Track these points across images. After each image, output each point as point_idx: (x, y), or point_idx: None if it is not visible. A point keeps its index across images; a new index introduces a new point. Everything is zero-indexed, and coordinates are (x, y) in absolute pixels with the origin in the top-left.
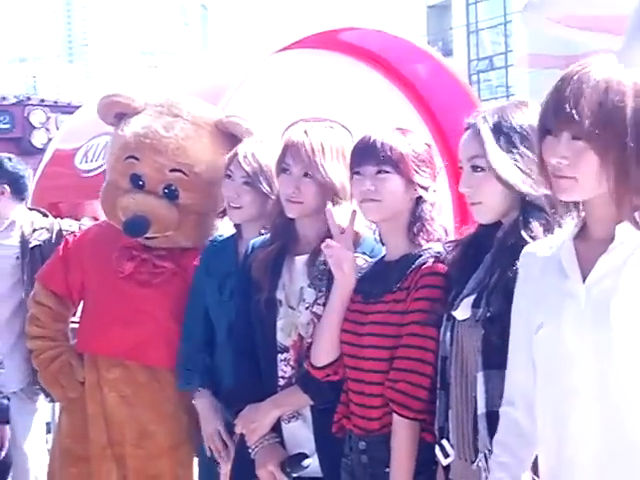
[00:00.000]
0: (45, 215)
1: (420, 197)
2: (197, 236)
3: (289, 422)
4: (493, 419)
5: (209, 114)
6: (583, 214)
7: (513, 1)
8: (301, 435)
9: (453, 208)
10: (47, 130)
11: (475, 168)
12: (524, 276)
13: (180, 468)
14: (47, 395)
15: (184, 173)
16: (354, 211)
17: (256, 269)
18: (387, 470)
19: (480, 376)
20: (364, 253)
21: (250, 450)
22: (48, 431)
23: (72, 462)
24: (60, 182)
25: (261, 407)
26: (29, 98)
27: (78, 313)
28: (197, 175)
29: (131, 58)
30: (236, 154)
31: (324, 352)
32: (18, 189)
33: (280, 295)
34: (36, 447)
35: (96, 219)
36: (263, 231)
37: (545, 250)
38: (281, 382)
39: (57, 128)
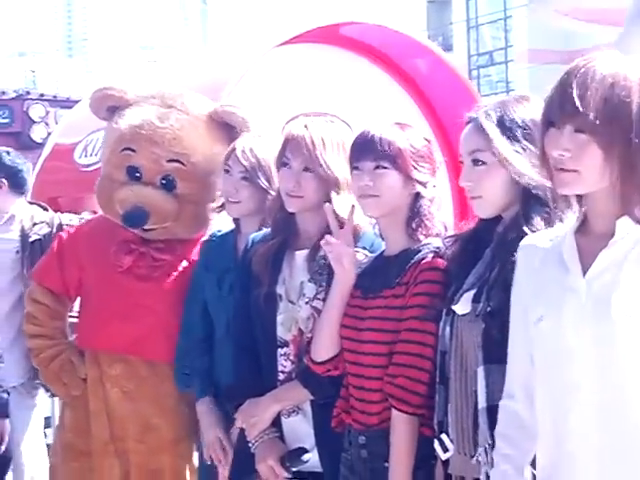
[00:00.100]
0: (45, 209)
1: (419, 192)
2: (195, 227)
3: (289, 417)
4: (493, 413)
5: (202, 104)
6: (584, 208)
7: None
8: (301, 430)
9: (453, 203)
10: (46, 124)
11: (476, 162)
12: (523, 266)
13: (181, 462)
14: (47, 390)
15: (181, 163)
16: (353, 206)
17: (256, 263)
18: (386, 465)
19: (480, 370)
20: (364, 248)
21: (250, 444)
22: (47, 426)
23: (74, 457)
24: (59, 176)
25: (261, 402)
26: (28, 92)
27: (75, 308)
28: (194, 165)
29: (131, 53)
30: (234, 149)
31: (324, 347)
32: (16, 183)
33: (280, 290)
34: (33, 442)
35: (96, 213)
36: (260, 228)
37: (545, 242)
38: (281, 377)
39: (56, 122)
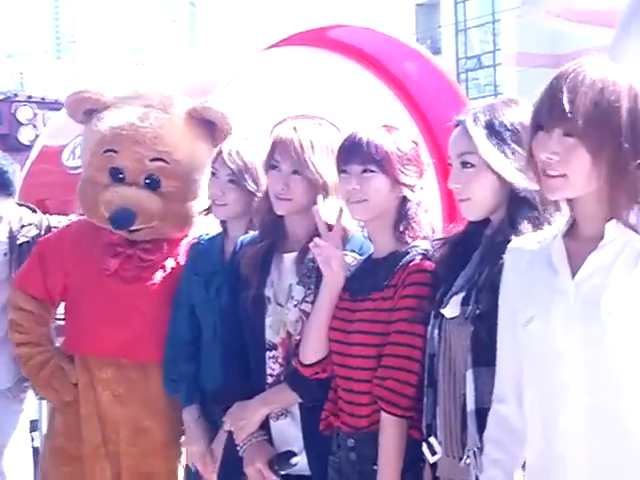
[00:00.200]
0: (34, 211)
1: (406, 195)
2: (181, 225)
3: (277, 420)
4: (482, 416)
5: (180, 103)
6: (572, 212)
7: (501, 0)
8: (289, 433)
9: (442, 206)
10: (34, 127)
11: (465, 164)
12: (511, 269)
13: (173, 464)
14: (37, 392)
15: (165, 161)
16: (341, 208)
17: (245, 266)
18: (375, 467)
19: (469, 373)
20: (353, 251)
21: (238, 448)
22: (34, 429)
23: (65, 461)
24: (47, 179)
25: (249, 405)
26: (16, 94)
27: (59, 310)
28: (177, 162)
29: (119, 55)
30: (221, 152)
31: (312, 350)
32: (2, 184)
33: (269, 292)
34: (19, 447)
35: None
36: (247, 231)
37: (533, 244)
38: (269, 380)
39: (44, 125)
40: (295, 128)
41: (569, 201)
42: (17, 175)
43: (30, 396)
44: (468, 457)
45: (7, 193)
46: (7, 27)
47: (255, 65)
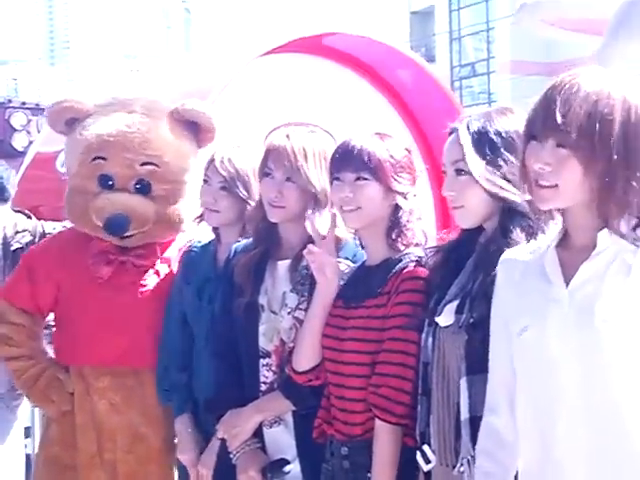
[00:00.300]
0: (29, 217)
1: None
2: (172, 228)
3: (271, 427)
4: (476, 425)
5: (161, 105)
6: (564, 223)
7: (496, 8)
8: (283, 440)
9: (435, 213)
10: (28, 133)
11: (459, 172)
12: (503, 281)
13: (169, 471)
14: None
15: (155, 165)
16: (334, 214)
17: (238, 273)
18: (369, 475)
19: (463, 382)
20: (346, 258)
21: (231, 455)
22: (26, 436)
23: (59, 471)
24: (41, 185)
25: (243, 412)
26: (10, 100)
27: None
28: (167, 165)
29: (113, 61)
30: (213, 159)
31: (306, 357)
32: None
33: (262, 300)
34: (10, 456)
35: None
36: (239, 239)
37: (525, 255)
38: (263, 387)
39: (38, 131)
40: (288, 136)
41: (561, 211)
42: (11, 181)
43: (24, 403)
44: (462, 465)
45: (2, 199)
46: (1, 33)
47: (250, 72)
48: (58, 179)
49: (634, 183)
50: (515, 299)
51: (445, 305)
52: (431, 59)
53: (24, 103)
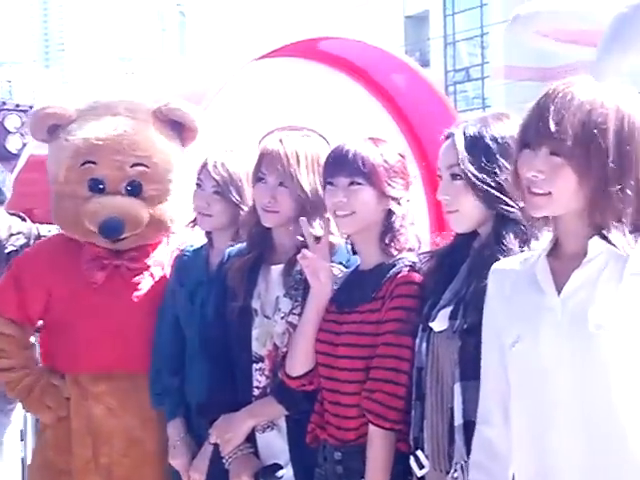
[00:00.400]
0: (24, 220)
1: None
2: (164, 228)
3: (264, 432)
4: (470, 430)
5: (142, 106)
6: (555, 232)
7: (490, 13)
8: (276, 445)
9: (429, 218)
10: (22, 135)
11: (454, 176)
12: (494, 292)
13: (163, 474)
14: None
15: (145, 165)
16: (327, 219)
17: (232, 278)
18: None
19: (457, 387)
20: (340, 263)
21: (224, 460)
22: (20, 439)
23: (54, 475)
24: (35, 188)
25: (236, 417)
26: (4, 103)
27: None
28: (156, 165)
29: (108, 63)
30: (206, 164)
31: (299, 362)
32: None
33: (256, 304)
34: (6, 459)
35: None
36: (231, 243)
37: (515, 265)
38: (256, 392)
39: None
40: (281, 140)
41: (552, 218)
42: (6, 184)
43: (19, 407)
44: (455, 471)
45: None
46: None
47: (245, 76)
48: None
49: (628, 191)
50: (506, 309)
51: (439, 310)
52: (425, 64)
53: (18, 105)
